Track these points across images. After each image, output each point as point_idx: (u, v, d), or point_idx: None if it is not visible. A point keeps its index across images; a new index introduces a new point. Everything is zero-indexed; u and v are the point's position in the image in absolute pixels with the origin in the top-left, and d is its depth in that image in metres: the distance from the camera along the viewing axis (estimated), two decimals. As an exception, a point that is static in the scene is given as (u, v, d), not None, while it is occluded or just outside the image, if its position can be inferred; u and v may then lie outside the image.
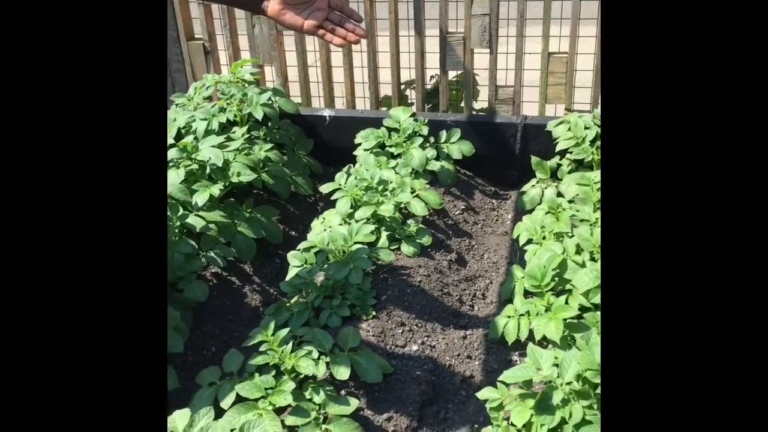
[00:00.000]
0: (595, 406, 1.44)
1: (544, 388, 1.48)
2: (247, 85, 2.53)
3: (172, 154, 2.11)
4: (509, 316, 1.88)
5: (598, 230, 1.92)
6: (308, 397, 1.59)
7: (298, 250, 2.09)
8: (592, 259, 1.81)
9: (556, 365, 1.50)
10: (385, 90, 2.75)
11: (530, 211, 2.29)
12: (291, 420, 1.54)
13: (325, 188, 2.36)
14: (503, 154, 2.58)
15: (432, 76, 2.75)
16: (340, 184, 2.32)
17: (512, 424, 1.49)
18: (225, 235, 2.13)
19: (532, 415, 1.45)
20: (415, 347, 1.89)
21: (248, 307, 2.07)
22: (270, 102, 2.47)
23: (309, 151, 2.65)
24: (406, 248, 2.14)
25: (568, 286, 1.82)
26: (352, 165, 2.50)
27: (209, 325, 1.99)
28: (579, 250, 1.87)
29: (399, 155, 2.47)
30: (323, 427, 1.55)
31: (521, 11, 2.40)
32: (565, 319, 1.74)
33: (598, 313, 1.74)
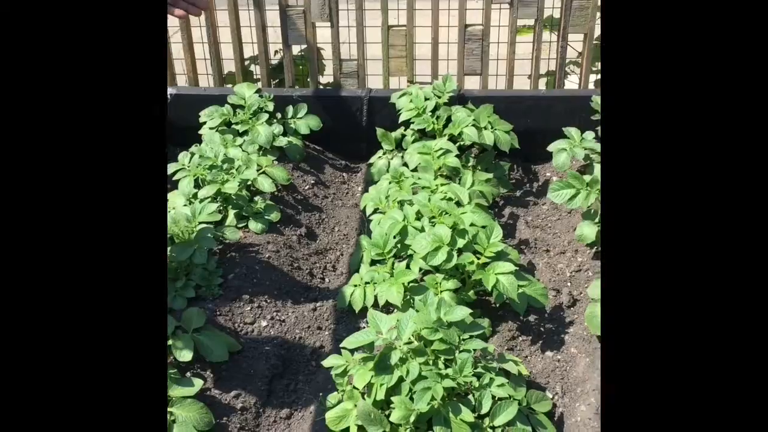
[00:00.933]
0: (431, 362, 1.52)
1: (382, 351, 1.53)
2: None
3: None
4: (356, 285, 1.92)
5: (435, 196, 2.00)
6: (150, 382, 1.55)
7: (139, 233, 2.01)
8: (431, 223, 1.89)
9: (397, 327, 1.56)
10: (229, 66, 2.70)
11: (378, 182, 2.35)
12: (131, 407, 1.50)
13: (168, 168, 2.28)
14: (351, 128, 2.61)
15: (276, 51, 2.73)
16: (183, 164, 2.25)
17: (355, 387, 1.54)
18: (58, 223, 2.01)
19: (372, 376, 1.50)
20: (264, 323, 1.89)
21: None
22: (102, 81, 2.34)
23: (151, 131, 2.54)
24: (254, 225, 2.13)
25: (409, 251, 1.88)
26: (197, 144, 2.43)
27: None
28: (419, 216, 1.94)
29: (245, 132, 2.44)
30: (167, 410, 1.52)
31: (359, -15, 2.43)
32: (406, 283, 1.80)
33: (438, 275, 1.82)
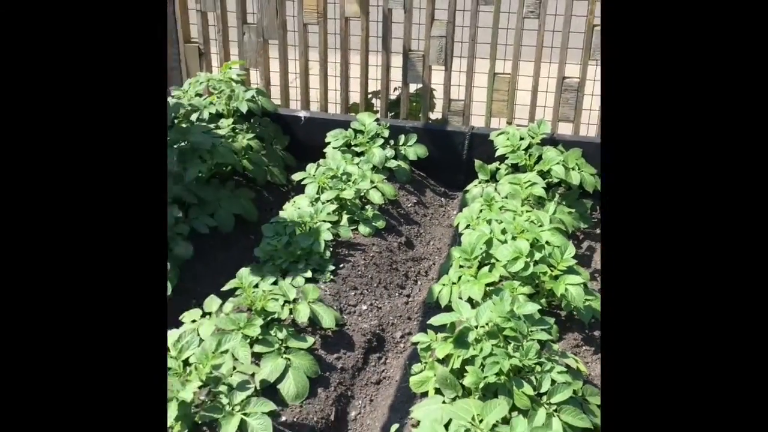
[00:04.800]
0: (501, 344, 1.82)
1: (461, 329, 1.85)
2: (234, 84, 2.90)
3: (170, 134, 2.47)
4: (444, 284, 2.26)
5: (520, 218, 2.32)
6: (273, 333, 1.95)
7: (271, 223, 2.45)
8: (513, 238, 2.21)
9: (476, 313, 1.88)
10: (354, 98, 3.15)
11: (472, 207, 2.69)
12: (258, 348, 1.89)
13: (297, 176, 2.73)
14: (452, 159, 2.98)
15: (395, 88, 3.16)
16: (310, 173, 2.69)
17: (437, 360, 1.86)
18: (209, 209, 2.48)
19: (451, 348, 1.82)
20: (364, 307, 2.25)
21: (225, 268, 2.41)
22: (254, 99, 2.84)
23: (285, 146, 3.02)
24: (363, 229, 2.52)
25: (492, 260, 2.20)
26: (323, 159, 2.87)
27: (192, 281, 2.33)
28: (504, 232, 2.26)
29: (362, 153, 2.86)
30: (284, 356, 1.90)
31: (473, 36, 2.83)
32: (487, 284, 2.12)
33: (515, 281, 2.13)
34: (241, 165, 2.66)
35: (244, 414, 1.63)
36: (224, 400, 1.65)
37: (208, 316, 2.02)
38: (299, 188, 2.74)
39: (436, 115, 3.14)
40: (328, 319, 2.05)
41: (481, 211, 2.50)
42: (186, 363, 1.74)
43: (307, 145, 3.03)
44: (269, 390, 1.81)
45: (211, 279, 2.35)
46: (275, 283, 2.19)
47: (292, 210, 2.55)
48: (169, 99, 2.81)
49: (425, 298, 2.33)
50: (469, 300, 2.14)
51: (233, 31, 3.05)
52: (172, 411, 1.56)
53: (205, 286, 2.31)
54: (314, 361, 1.93)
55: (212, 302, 2.05)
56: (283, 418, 1.78)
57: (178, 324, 2.01)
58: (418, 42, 2.95)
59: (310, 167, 2.73)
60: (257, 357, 1.89)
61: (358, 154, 2.87)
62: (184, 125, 2.63)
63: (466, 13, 2.79)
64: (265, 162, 2.80)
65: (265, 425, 1.62)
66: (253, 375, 1.81)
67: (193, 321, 2.00)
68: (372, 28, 2.96)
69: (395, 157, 2.88)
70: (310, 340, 1.98)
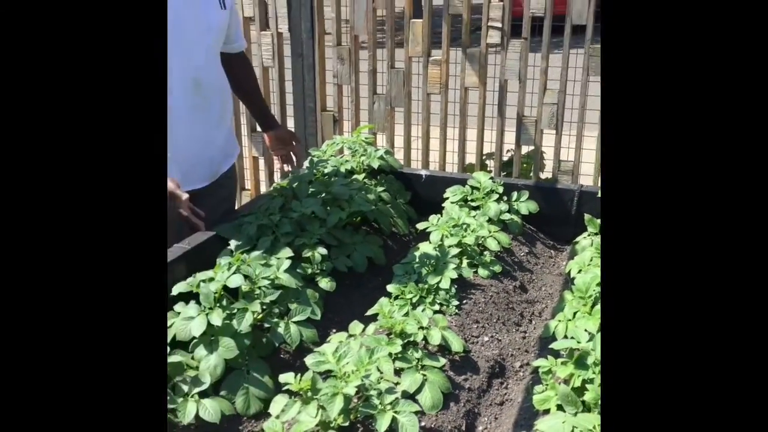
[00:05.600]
0: (618, 368, 2.02)
1: (580, 353, 2.07)
2: (366, 145, 3.31)
3: (314, 186, 2.87)
4: (559, 320, 2.48)
5: (631, 262, 2.53)
6: (410, 353, 2.22)
7: (401, 263, 2.77)
8: (625, 280, 2.42)
9: (592, 340, 2.10)
10: (470, 158, 3.49)
11: (581, 257, 2.91)
12: (398, 364, 2.17)
13: (420, 225, 3.06)
14: (562, 215, 3.23)
15: (508, 150, 3.48)
16: (432, 223, 3.01)
17: (561, 382, 2.08)
18: (346, 251, 2.83)
19: (573, 369, 2.04)
20: (486, 338, 2.50)
21: (359, 302, 2.73)
22: (383, 158, 3.23)
23: (407, 200, 3.37)
24: (482, 272, 2.79)
25: (605, 300, 2.42)
26: (442, 212, 3.19)
27: (332, 312, 2.66)
28: (615, 275, 2.48)
29: (478, 207, 3.16)
30: (421, 372, 2.17)
31: (582, 104, 3.13)
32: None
33: (627, 318, 2.33)
34: (373, 215, 3.02)
35: (395, 412, 1.90)
36: (375, 401, 1.93)
37: (353, 338, 2.32)
38: (419, 238, 3.06)
39: (545, 174, 3.43)
40: (457, 344, 2.31)
41: (591, 258, 2.72)
42: (342, 369, 2.04)
43: (427, 200, 3.37)
44: (408, 400, 2.07)
45: (348, 310, 2.67)
46: (406, 314, 2.49)
47: (418, 253, 2.86)
48: (310, 158, 3.25)
49: (541, 334, 2.55)
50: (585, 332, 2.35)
51: (364, 101, 3.50)
52: (338, 405, 1.85)
53: (344, 316, 2.63)
54: (446, 379, 2.18)
55: (356, 326, 2.36)
56: (423, 424, 2.03)
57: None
58: (531, 109, 3.28)
59: (433, 218, 3.05)
60: (397, 373, 2.17)
61: (474, 208, 3.18)
62: (323, 179, 3.04)
63: (576, 83, 3.11)
64: (391, 213, 3.15)
65: (413, 422, 1.88)
66: (396, 385, 2.09)
67: (340, 342, 2.31)
68: (489, 97, 3.32)
69: (508, 211, 3.16)
70: (442, 360, 2.24)
